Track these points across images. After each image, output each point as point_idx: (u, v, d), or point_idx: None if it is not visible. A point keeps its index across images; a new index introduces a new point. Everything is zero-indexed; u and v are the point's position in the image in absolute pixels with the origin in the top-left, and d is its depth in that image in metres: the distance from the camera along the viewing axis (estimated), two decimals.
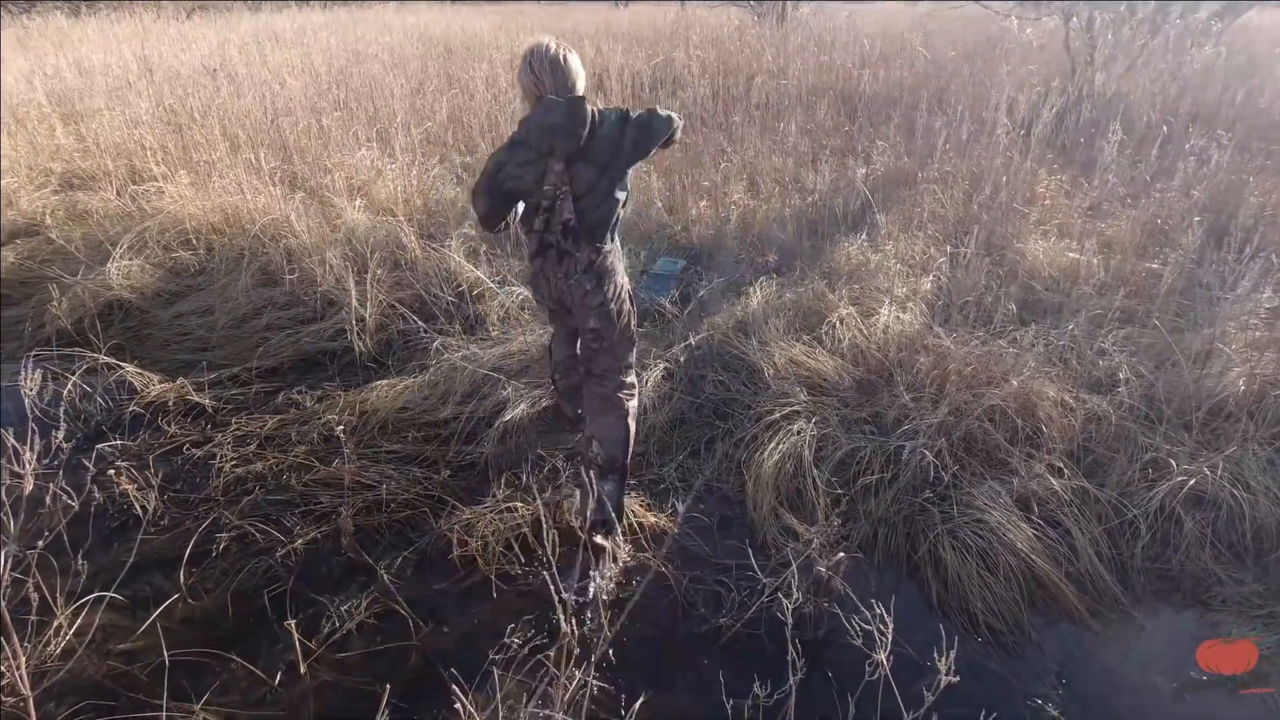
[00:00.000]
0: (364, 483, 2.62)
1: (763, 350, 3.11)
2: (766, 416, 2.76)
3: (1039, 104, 4.73)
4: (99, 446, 2.74)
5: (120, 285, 3.82)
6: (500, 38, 8.44)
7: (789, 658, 1.35)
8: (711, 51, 7.01)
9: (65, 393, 2.96)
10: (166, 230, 4.26)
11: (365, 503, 2.54)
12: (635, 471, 2.69)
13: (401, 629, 2.08)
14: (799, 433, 2.65)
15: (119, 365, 3.18)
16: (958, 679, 1.17)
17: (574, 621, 1.51)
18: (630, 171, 2.16)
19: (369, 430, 2.90)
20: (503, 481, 2.59)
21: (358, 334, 3.40)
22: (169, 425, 2.95)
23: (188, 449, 2.83)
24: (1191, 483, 2.41)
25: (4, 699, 1.70)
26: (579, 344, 2.42)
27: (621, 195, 2.16)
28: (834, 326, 3.21)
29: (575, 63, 2.05)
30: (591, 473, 2.30)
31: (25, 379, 2.03)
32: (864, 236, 3.98)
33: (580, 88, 2.07)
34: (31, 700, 1.43)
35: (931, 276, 3.54)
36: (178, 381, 3.16)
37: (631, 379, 2.40)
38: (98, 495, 2.47)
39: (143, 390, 3.11)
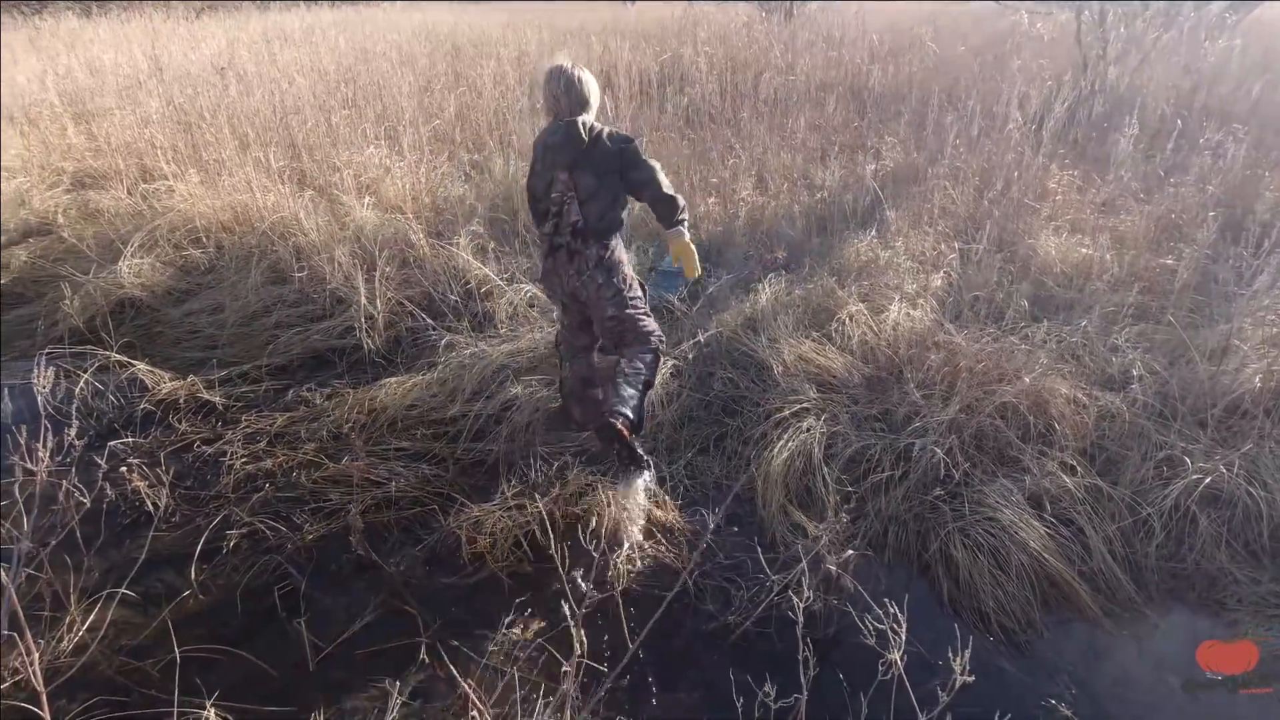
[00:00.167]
0: (373, 480, 2.62)
1: (772, 347, 3.09)
2: (776, 414, 2.75)
3: (1051, 99, 4.68)
4: (111, 444, 2.76)
5: (131, 283, 3.84)
6: (508, 35, 8.43)
7: (801, 657, 1.34)
8: (719, 48, 6.98)
9: (78, 390, 2.98)
10: (177, 228, 4.28)
11: (374, 500, 2.55)
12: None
13: (410, 626, 2.08)
14: (808, 430, 2.64)
15: (130, 363, 3.20)
16: (973, 679, 1.15)
17: (583, 630, 1.51)
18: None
19: (378, 428, 2.91)
20: (511, 479, 2.59)
21: (367, 331, 3.41)
22: (180, 423, 2.97)
23: (198, 446, 2.84)
24: (1207, 481, 2.38)
25: (17, 694, 1.71)
26: (602, 330, 2.57)
27: (623, 200, 2.39)
28: (843, 323, 3.19)
29: (589, 81, 2.36)
30: (618, 378, 2.46)
31: (38, 377, 2.04)
32: (874, 233, 3.96)
33: (594, 103, 2.38)
34: (45, 696, 1.43)
35: (942, 273, 3.51)
36: (188, 379, 3.17)
37: (653, 325, 2.57)
38: (110, 492, 2.48)
39: (154, 388, 3.13)
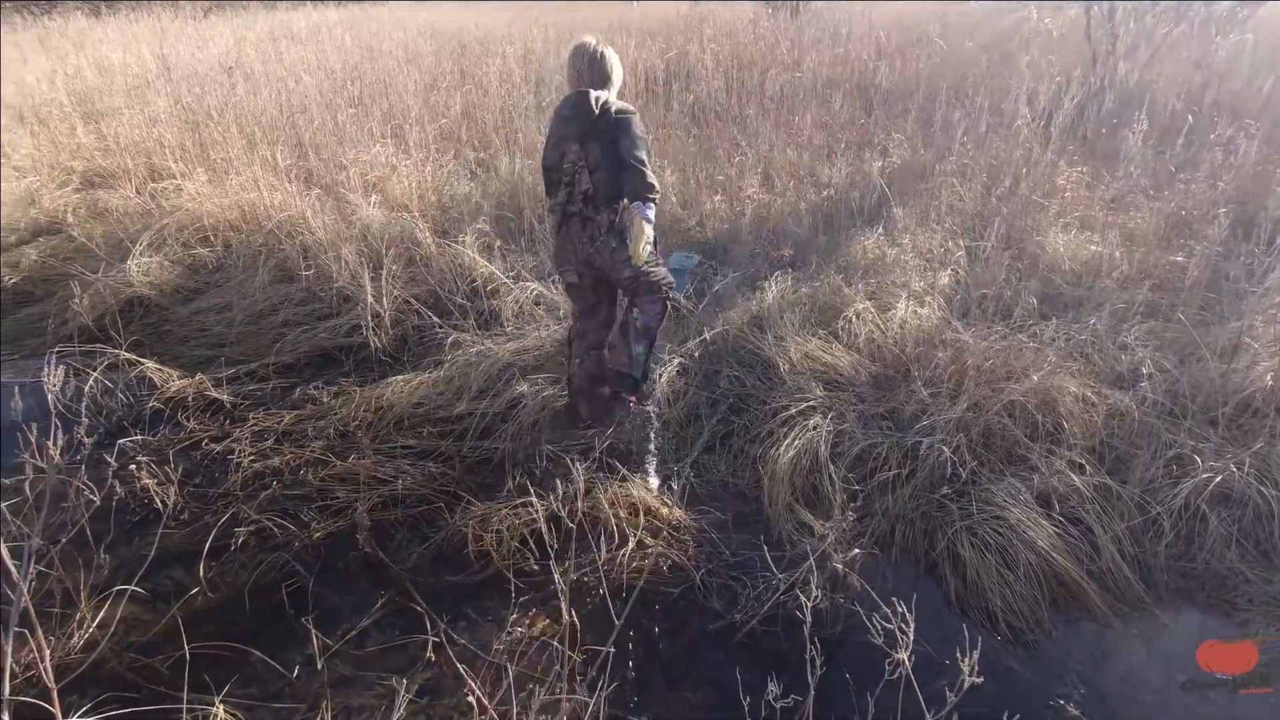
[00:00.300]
0: (380, 478, 2.63)
1: (778, 345, 3.08)
2: (782, 412, 2.74)
3: (1060, 95, 4.64)
4: (120, 441, 2.78)
5: (140, 282, 3.86)
6: (513, 32, 8.42)
7: (808, 656, 1.34)
8: (725, 45, 6.95)
9: (87, 388, 3.00)
10: (185, 227, 4.30)
11: (381, 498, 2.56)
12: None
13: (417, 623, 2.09)
14: (815, 428, 2.63)
15: (139, 361, 3.22)
16: (981, 680, 1.15)
17: (572, 611, 1.51)
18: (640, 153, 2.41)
19: (385, 426, 2.91)
20: (517, 477, 2.59)
21: (373, 330, 3.41)
22: (188, 420, 2.98)
23: (206, 444, 2.86)
24: (1217, 480, 2.37)
25: (29, 690, 1.73)
26: (621, 288, 2.68)
27: (630, 144, 2.38)
28: (850, 321, 3.17)
29: (612, 58, 2.48)
30: (629, 334, 2.72)
31: (48, 375, 2.06)
32: (880, 230, 3.94)
33: (616, 80, 2.50)
34: (55, 692, 1.44)
35: (949, 270, 3.49)
36: (196, 377, 3.19)
37: (661, 272, 2.64)
38: (119, 490, 2.50)
39: (162, 386, 3.15)
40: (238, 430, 2.91)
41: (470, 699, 1.55)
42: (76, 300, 3.63)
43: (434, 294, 3.67)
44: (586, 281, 2.67)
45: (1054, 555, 2.20)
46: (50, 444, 1.66)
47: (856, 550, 2.22)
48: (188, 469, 2.73)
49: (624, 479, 2.57)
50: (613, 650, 1.66)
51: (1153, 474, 2.47)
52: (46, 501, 1.73)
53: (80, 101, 6.37)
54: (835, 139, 4.99)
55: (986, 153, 4.38)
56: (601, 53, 2.45)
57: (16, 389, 2.03)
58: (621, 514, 2.43)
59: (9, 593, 1.48)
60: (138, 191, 4.79)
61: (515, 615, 2.11)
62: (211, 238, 4.28)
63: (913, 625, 1.23)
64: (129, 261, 3.92)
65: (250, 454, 2.77)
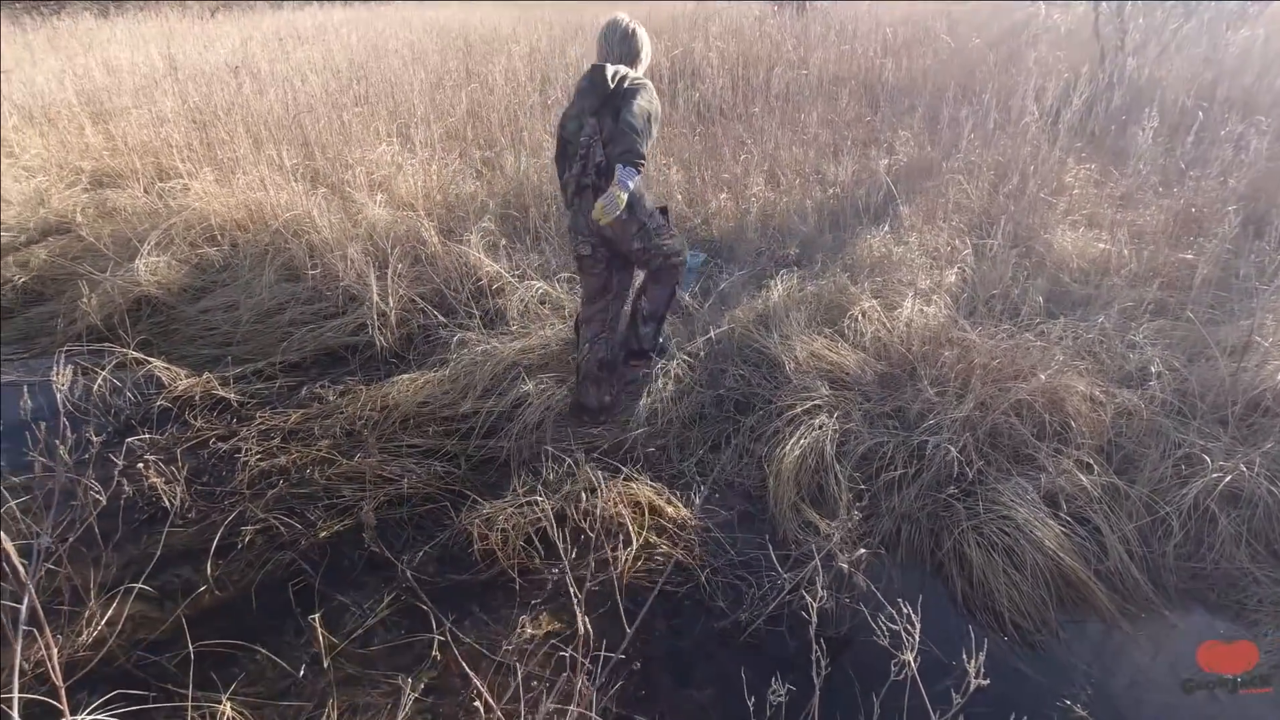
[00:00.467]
0: (386, 477, 2.64)
1: (784, 344, 3.07)
2: (788, 411, 2.73)
3: (1068, 91, 4.61)
4: (128, 440, 2.80)
5: (148, 281, 3.88)
6: (519, 31, 8.42)
7: (813, 657, 1.34)
8: (731, 42, 6.93)
9: (95, 387, 3.02)
10: (192, 227, 4.32)
11: (387, 496, 2.56)
12: (655, 465, 2.69)
13: (423, 622, 2.09)
14: (821, 427, 2.62)
15: (147, 360, 3.24)
16: (987, 682, 1.14)
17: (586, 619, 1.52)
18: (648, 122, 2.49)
19: (391, 424, 2.92)
20: (522, 476, 2.60)
21: (379, 329, 3.42)
22: (195, 419, 3.00)
23: (213, 443, 2.87)
24: (1227, 479, 2.34)
25: (38, 688, 1.74)
26: (633, 260, 2.81)
27: (632, 109, 2.43)
28: (856, 320, 3.16)
29: (642, 36, 2.58)
30: (637, 317, 2.97)
31: (57, 374, 2.07)
32: (887, 228, 3.93)
33: (645, 58, 2.62)
34: (64, 691, 1.45)
35: (956, 269, 3.47)
36: (203, 376, 3.20)
37: (671, 243, 2.80)
38: (127, 488, 2.51)
39: (170, 385, 3.17)
40: (244, 429, 2.92)
41: (478, 703, 1.55)
42: (85, 300, 3.65)
43: (439, 293, 3.67)
44: (599, 254, 2.75)
45: (1061, 555, 2.18)
46: (59, 443, 1.67)
47: (862, 550, 2.21)
48: (195, 468, 2.74)
49: (629, 478, 2.56)
50: (622, 656, 1.66)
51: (1161, 474, 2.45)
52: (55, 500, 1.74)
53: (88, 101, 6.40)
54: (841, 137, 4.97)
55: (994, 150, 4.36)
56: (633, 29, 2.55)
57: (25, 388, 2.04)
58: (626, 513, 2.42)
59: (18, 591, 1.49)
60: (145, 191, 4.82)
61: (521, 615, 2.11)
62: (218, 237, 4.29)
63: (918, 626, 1.23)
64: (137, 261, 3.94)
65: (257, 453, 2.78)
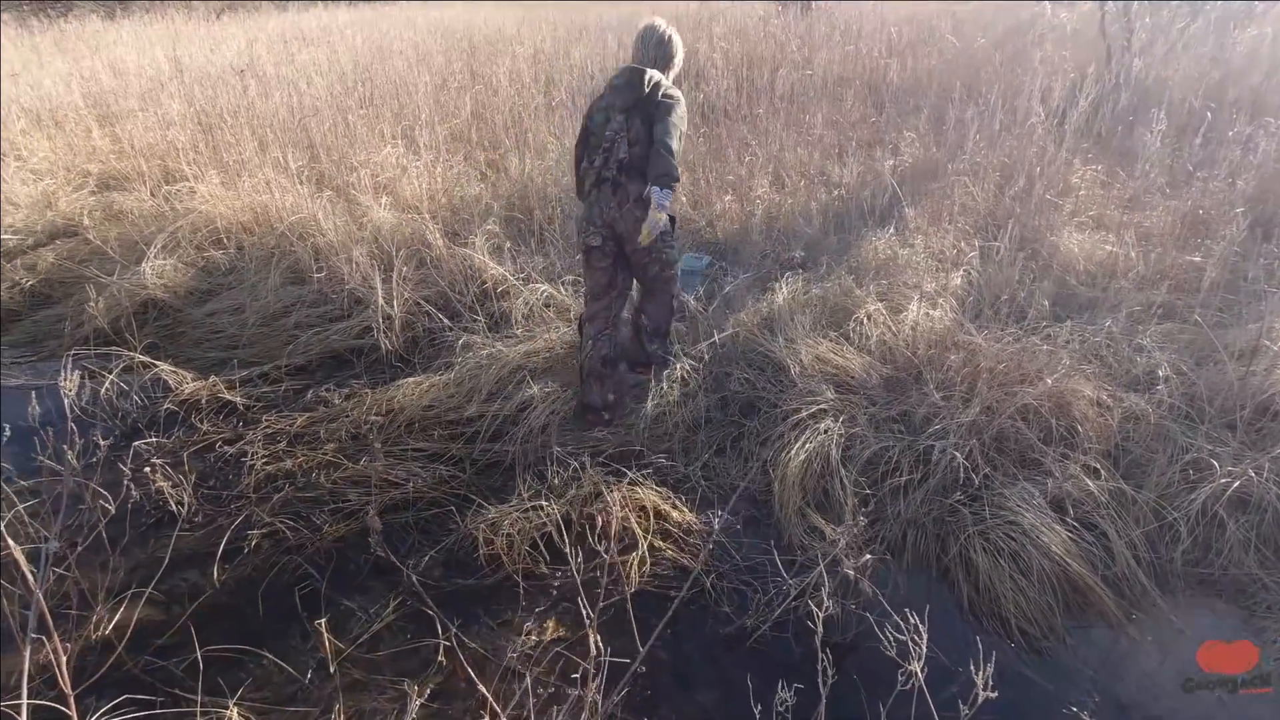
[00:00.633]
0: (391, 481, 2.65)
1: (789, 347, 3.07)
2: (793, 415, 2.73)
3: (1074, 92, 4.59)
4: (135, 444, 2.81)
5: (154, 284, 3.90)
6: (523, 31, 8.43)
7: (820, 667, 1.33)
8: (735, 43, 6.92)
9: (103, 391, 3.03)
10: (198, 230, 4.34)
11: (392, 500, 2.57)
12: (660, 470, 2.69)
13: (429, 627, 2.10)
14: (826, 431, 2.62)
15: (154, 363, 3.25)
16: (995, 695, 1.14)
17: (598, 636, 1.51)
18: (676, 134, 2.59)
19: (396, 428, 2.93)
20: (528, 480, 2.60)
21: (384, 332, 3.43)
22: (202, 423, 3.01)
23: (220, 446, 2.88)
24: (1235, 484, 2.33)
25: (46, 692, 1.75)
26: (634, 259, 2.84)
27: (666, 128, 2.56)
28: (861, 323, 3.15)
29: (677, 42, 2.74)
30: (642, 336, 3.06)
31: (65, 380, 2.08)
32: (892, 230, 3.91)
33: (677, 63, 2.76)
34: (72, 698, 1.46)
35: (962, 271, 3.46)
36: (210, 379, 3.22)
37: (671, 255, 2.90)
38: (135, 493, 2.52)
39: (177, 388, 3.18)
40: (251, 432, 2.93)
41: (484, 710, 1.55)
42: (92, 303, 3.67)
43: (444, 296, 3.68)
44: (608, 248, 2.80)
45: (1068, 561, 2.17)
46: (67, 448, 1.68)
47: (868, 556, 2.21)
48: (202, 471, 2.75)
49: (634, 482, 2.56)
50: (628, 661, 1.66)
51: (1169, 478, 2.44)
52: (64, 504, 1.75)
53: (95, 104, 6.43)
54: (846, 138, 4.96)
55: (1000, 151, 4.34)
56: (669, 36, 2.69)
57: (34, 393, 2.05)
58: (631, 517, 2.42)
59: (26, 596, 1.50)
60: (152, 194, 4.84)
61: (527, 621, 2.11)
62: (224, 240, 4.31)
63: (925, 637, 1.22)
64: (144, 264, 3.96)
65: (263, 456, 2.79)
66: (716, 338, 3.18)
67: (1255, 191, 3.84)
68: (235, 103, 5.76)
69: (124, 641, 1.95)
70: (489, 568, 2.32)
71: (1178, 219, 3.72)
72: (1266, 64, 5.67)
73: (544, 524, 2.39)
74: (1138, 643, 2.08)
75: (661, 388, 2.96)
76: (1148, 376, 2.80)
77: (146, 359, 3.27)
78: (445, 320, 3.50)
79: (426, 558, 2.36)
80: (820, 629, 1.42)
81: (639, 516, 2.45)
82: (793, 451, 2.57)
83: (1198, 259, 3.41)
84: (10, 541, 1.49)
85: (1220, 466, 2.38)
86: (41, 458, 1.95)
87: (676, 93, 2.63)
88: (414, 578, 2.26)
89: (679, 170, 2.56)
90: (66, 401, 2.04)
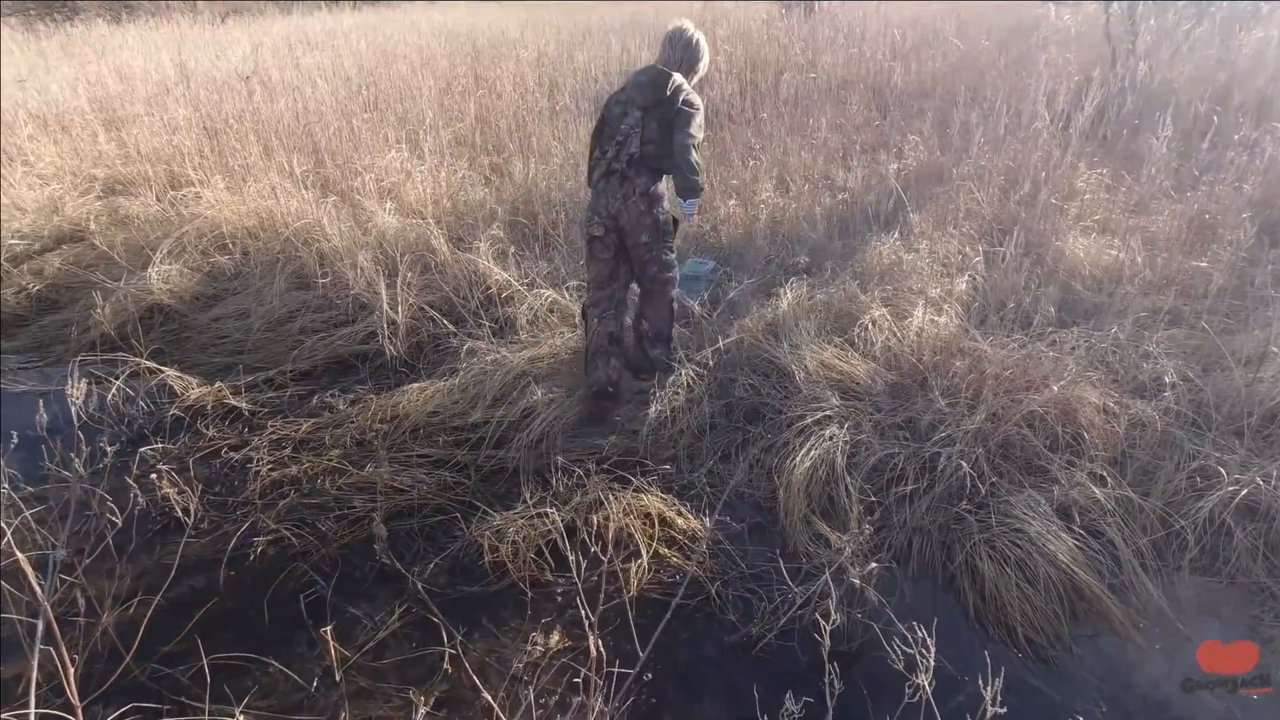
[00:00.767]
0: (396, 487, 2.65)
1: (794, 353, 3.06)
2: (798, 421, 2.73)
3: (1079, 95, 4.58)
4: (141, 450, 2.81)
5: (160, 290, 3.91)
6: (526, 35, 8.44)
7: (827, 679, 1.33)
8: (739, 46, 6.92)
9: (109, 397, 3.04)
10: (204, 235, 4.35)
11: (397, 507, 2.57)
12: (665, 477, 2.69)
13: (434, 635, 2.10)
14: (831, 438, 2.61)
15: (160, 369, 3.26)
16: (1004, 710, 1.14)
17: (600, 644, 1.52)
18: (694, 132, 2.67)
19: (401, 434, 2.93)
20: (532, 487, 2.60)
21: (389, 337, 3.43)
22: (207, 429, 3.02)
23: (226, 452, 2.89)
24: (1243, 493, 2.32)
25: (54, 700, 1.75)
26: (634, 252, 2.90)
27: (685, 141, 2.65)
28: (866, 329, 3.15)
29: (703, 46, 2.81)
30: (644, 342, 3.09)
31: (71, 384, 2.09)
32: (897, 235, 3.91)
33: (702, 68, 2.83)
34: (80, 710, 1.47)
35: (967, 277, 3.45)
36: (215, 385, 3.23)
37: (670, 258, 2.96)
38: (141, 499, 2.52)
39: (182, 394, 3.19)
40: (256, 438, 2.94)
41: (490, 715, 1.55)
42: (98, 309, 3.69)
43: (449, 301, 3.68)
44: (610, 240, 2.86)
45: (1074, 569, 2.17)
46: (74, 455, 1.69)
47: (874, 564, 2.21)
48: (208, 477, 2.76)
49: (639, 489, 2.56)
50: (627, 671, 1.66)
51: (1176, 486, 2.43)
52: (71, 511, 1.76)
53: (101, 109, 6.46)
54: (850, 141, 4.96)
55: (1004, 155, 4.33)
56: (696, 40, 2.77)
57: (40, 400, 2.06)
58: (636, 525, 2.42)
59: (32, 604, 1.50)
60: (158, 199, 4.86)
61: (532, 629, 2.11)
62: (230, 245, 4.32)
63: (933, 650, 1.22)
64: (150, 269, 3.97)
65: (268, 462, 2.79)
66: (721, 343, 3.18)
67: (1262, 196, 3.83)
68: (240, 108, 5.78)
69: (131, 650, 1.95)
70: (494, 575, 2.32)
71: (1184, 224, 3.71)
72: (1273, 67, 5.64)
73: (548, 531, 2.40)
74: (1145, 651, 2.07)
75: (664, 393, 2.96)
76: (1154, 383, 2.79)
77: (152, 365, 3.28)
78: (450, 326, 3.51)
79: (431, 565, 2.36)
80: (827, 641, 1.42)
81: (643, 523, 2.44)
82: (798, 458, 2.57)
83: (1204, 264, 3.40)
84: (17, 551, 1.50)
85: (1228, 474, 2.37)
86: (49, 464, 1.97)
87: (697, 100, 2.68)
88: (419, 585, 2.26)
89: (703, 181, 2.72)
90: (73, 408, 2.05)
